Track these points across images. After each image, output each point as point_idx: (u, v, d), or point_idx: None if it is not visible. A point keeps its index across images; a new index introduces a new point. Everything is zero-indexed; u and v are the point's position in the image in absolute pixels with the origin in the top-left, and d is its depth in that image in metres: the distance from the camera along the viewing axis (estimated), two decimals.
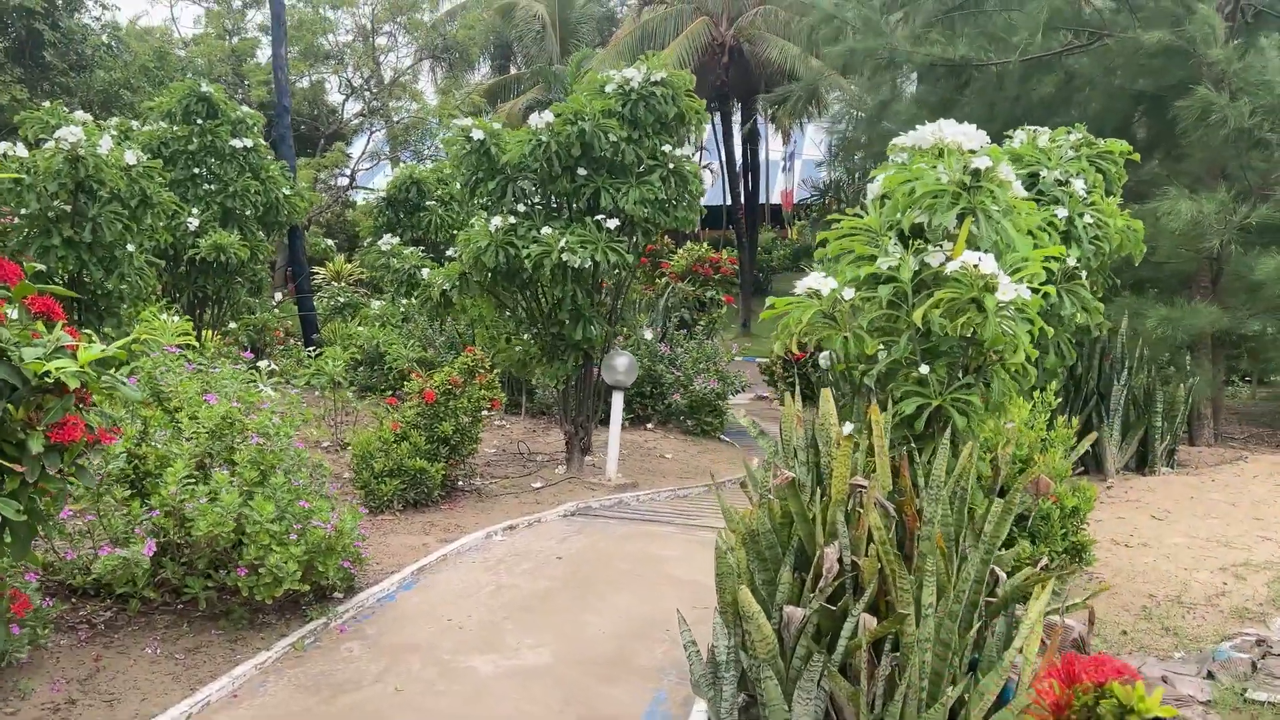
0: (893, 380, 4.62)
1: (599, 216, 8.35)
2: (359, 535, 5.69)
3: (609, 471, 8.81)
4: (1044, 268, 4.54)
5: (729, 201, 33.94)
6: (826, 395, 4.47)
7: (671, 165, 8.51)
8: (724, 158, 30.66)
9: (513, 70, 45.57)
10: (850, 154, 24.76)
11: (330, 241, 23.05)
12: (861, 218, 4.79)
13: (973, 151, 4.54)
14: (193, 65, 28.20)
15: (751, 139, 33.63)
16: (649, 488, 8.87)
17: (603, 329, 8.74)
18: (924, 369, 4.37)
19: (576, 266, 8.06)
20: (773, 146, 43.67)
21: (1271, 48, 9.12)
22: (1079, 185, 7.29)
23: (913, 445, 4.43)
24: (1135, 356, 8.52)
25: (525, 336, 9.27)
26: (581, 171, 8.42)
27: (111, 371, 3.84)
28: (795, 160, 47.03)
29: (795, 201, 44.70)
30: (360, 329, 13.66)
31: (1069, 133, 7.79)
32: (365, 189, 30.96)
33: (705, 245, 15.41)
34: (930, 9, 11.36)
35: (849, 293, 4.46)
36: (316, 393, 10.09)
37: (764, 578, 4.36)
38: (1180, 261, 9.64)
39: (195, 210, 11.83)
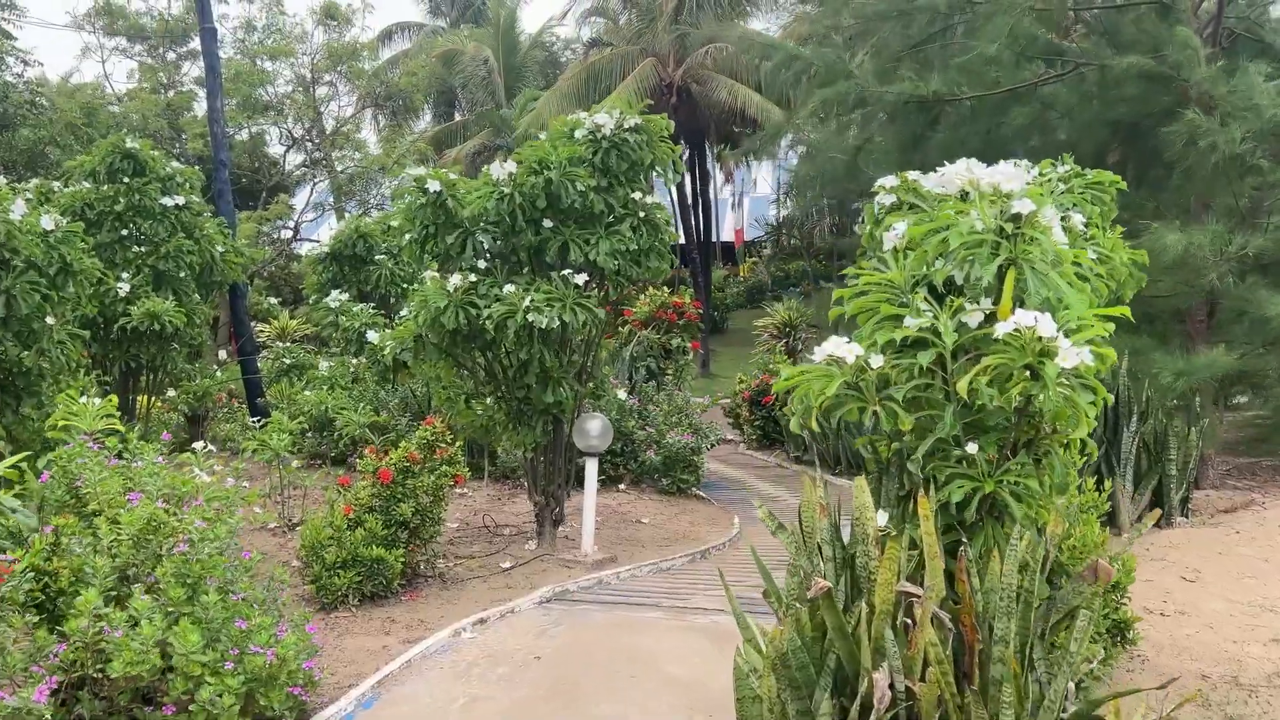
0: (930, 460, 4.00)
1: (566, 271, 7.70)
2: (311, 649, 4.93)
3: (585, 546, 8.09)
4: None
5: (682, 241, 33.51)
6: (862, 485, 3.82)
7: (643, 213, 7.91)
8: (675, 198, 30.27)
9: (458, 117, 45.13)
10: (804, 193, 24.54)
11: (273, 300, 22.16)
12: (882, 271, 4.19)
13: (1008, 195, 3.96)
14: (127, 121, 27.26)
15: (701, 178, 33.35)
16: (629, 561, 8.16)
17: (573, 390, 8.07)
18: (972, 448, 3.75)
19: (543, 327, 7.39)
20: (720, 184, 43.55)
21: (1256, 70, 8.77)
22: (1078, 219, 6.78)
23: (962, 536, 3.80)
24: (1143, 401, 8.04)
25: (488, 400, 8.57)
26: (547, 223, 7.78)
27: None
28: (744, 198, 46.99)
29: (746, 239, 44.56)
30: (307, 394, 12.84)
31: (1055, 165, 7.31)
32: (310, 240, 30.07)
33: (665, 289, 14.80)
34: (895, 45, 10.95)
35: (877, 359, 3.84)
36: (263, 464, 9.29)
37: (798, 707, 3.67)
38: (1173, 296, 9.21)
39: (125, 275, 10.99)
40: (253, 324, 25.11)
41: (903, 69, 10.36)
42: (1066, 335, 3.65)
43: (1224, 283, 8.35)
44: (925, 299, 3.86)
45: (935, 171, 4.52)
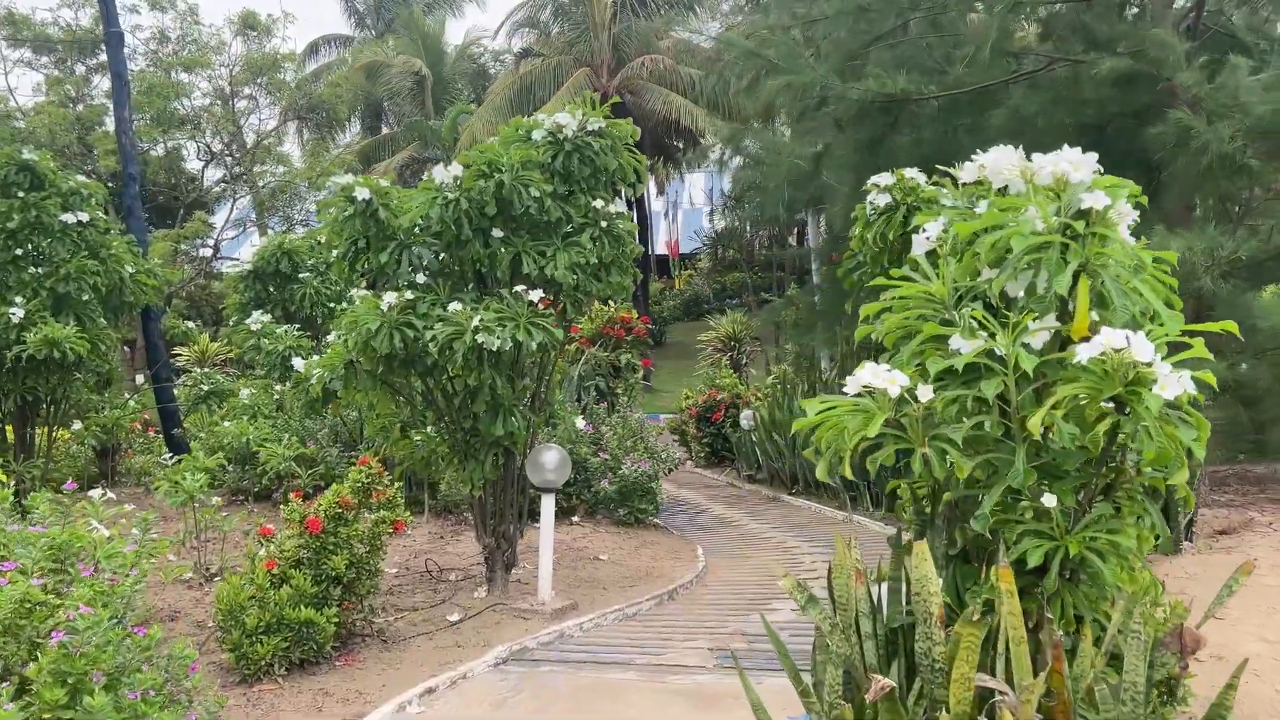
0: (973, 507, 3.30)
1: (519, 287, 6.91)
2: None
3: (541, 593, 7.26)
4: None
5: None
6: (923, 551, 3.08)
7: (604, 223, 7.14)
8: None
9: (385, 130, 44.00)
10: (747, 203, 23.95)
11: (190, 324, 20.91)
12: (913, 280, 3.48)
13: (1073, 187, 3.28)
14: (34, 136, 25.74)
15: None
16: (591, 608, 7.36)
17: (526, 420, 7.26)
18: (1050, 500, 3.04)
19: (495, 349, 6.59)
20: (653, 196, 43.02)
21: (1242, 66, 8.32)
22: None
23: (1041, 603, 3.10)
24: None
25: (429, 429, 7.72)
26: (497, 233, 6.98)
27: None
28: (679, 210, 46.52)
29: (682, 251, 44.06)
30: (227, 425, 11.81)
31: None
32: (231, 259, 28.76)
33: (610, 304, 14.03)
34: (849, 44, 10.35)
35: (925, 391, 3.12)
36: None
37: None
38: None
39: (19, 299, 9.91)
40: (173, 348, 23.81)
41: (864, 68, 9.74)
42: (1165, 358, 2.97)
43: (1216, 287, 7.85)
44: (982, 315, 3.15)
45: (971, 161, 3.82)
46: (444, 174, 6.92)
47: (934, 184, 6.70)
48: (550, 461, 7.23)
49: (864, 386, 3.18)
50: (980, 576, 3.24)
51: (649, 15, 33.43)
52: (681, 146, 35.33)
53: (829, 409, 3.22)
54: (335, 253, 7.60)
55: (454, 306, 6.81)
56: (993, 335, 3.09)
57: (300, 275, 13.66)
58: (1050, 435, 3.04)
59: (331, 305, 13.45)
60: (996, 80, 9.24)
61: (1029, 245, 3.07)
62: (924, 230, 3.63)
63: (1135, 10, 9.43)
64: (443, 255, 7.22)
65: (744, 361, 21.46)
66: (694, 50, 34.73)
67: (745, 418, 15.17)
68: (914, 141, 10.20)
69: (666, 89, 30.61)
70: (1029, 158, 6.69)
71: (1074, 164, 3.23)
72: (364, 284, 8.65)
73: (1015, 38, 8.81)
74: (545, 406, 7.87)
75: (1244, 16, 10.05)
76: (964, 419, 3.20)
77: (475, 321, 6.64)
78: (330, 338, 8.13)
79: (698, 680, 5.72)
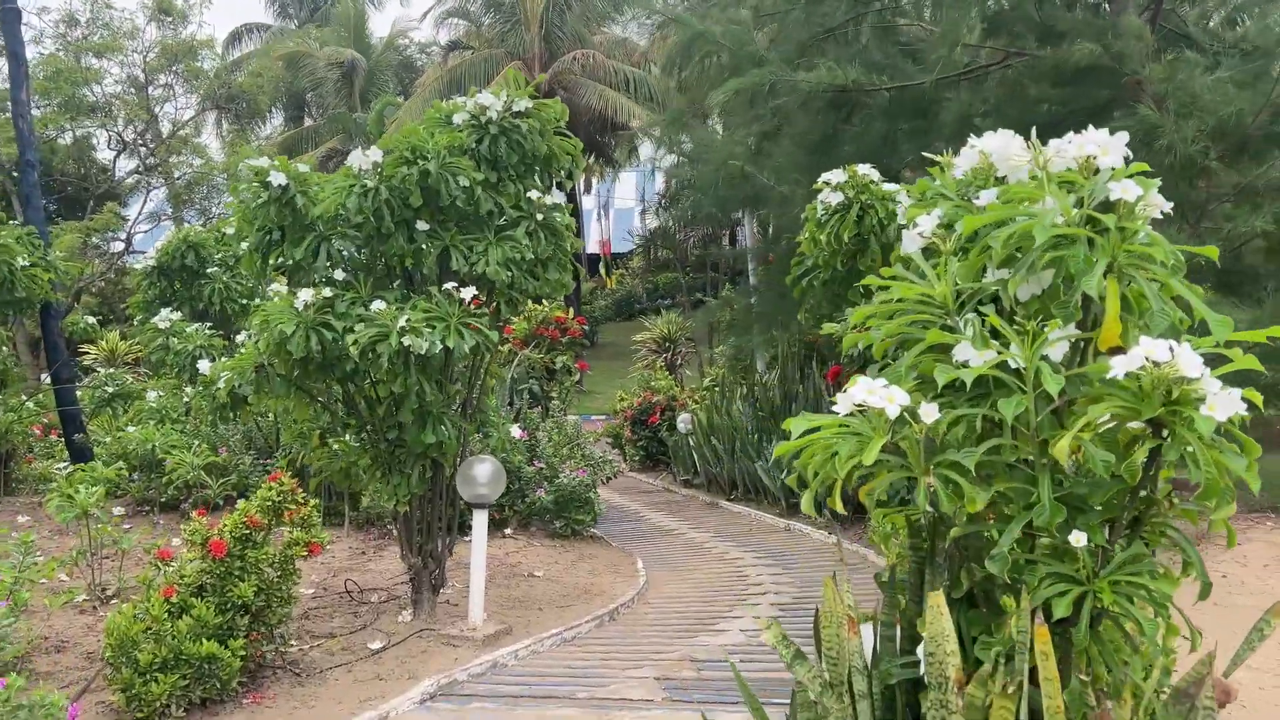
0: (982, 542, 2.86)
1: (449, 284, 6.33)
2: None
3: (473, 617, 6.69)
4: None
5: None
6: (939, 605, 2.60)
7: (540, 216, 6.60)
8: None
9: (308, 122, 42.78)
10: (681, 201, 23.44)
11: (91, 319, 19.80)
12: (909, 280, 3.02)
13: (1096, 174, 2.85)
14: None
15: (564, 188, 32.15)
16: (527, 632, 6.81)
17: (457, 429, 6.68)
18: (1079, 538, 2.59)
19: (424, 353, 6.01)
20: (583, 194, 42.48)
21: (1199, 64, 8.09)
22: None
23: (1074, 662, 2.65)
24: None
25: (349, 438, 7.11)
26: (423, 226, 6.40)
27: None
28: (610, 209, 46.02)
29: (614, 251, 43.56)
30: (132, 430, 11.00)
31: None
32: (143, 253, 27.51)
33: (544, 304, 13.47)
34: (800, 34, 9.94)
35: (930, 410, 2.65)
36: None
37: None
38: None
39: None
40: (77, 346, 22.57)
41: (815, 58, 9.33)
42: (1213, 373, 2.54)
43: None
44: (999, 322, 2.69)
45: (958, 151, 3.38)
46: (363, 160, 6.32)
47: (896, 179, 6.31)
48: (483, 474, 6.66)
49: (856, 405, 2.70)
50: (990, 624, 2.79)
51: (584, 9, 32.86)
52: (615, 144, 34.87)
53: (815, 430, 2.74)
54: (245, 244, 6.95)
55: (377, 305, 6.21)
56: (1008, 345, 2.64)
57: (208, 270, 12.84)
58: (1076, 462, 2.61)
59: (244, 302, 12.67)
60: (949, 75, 8.90)
61: (1051, 239, 2.62)
62: (916, 224, 3.17)
63: (1093, 2, 9.18)
64: (364, 249, 6.61)
65: (679, 363, 21.04)
66: (628, 47, 34.31)
67: (683, 421, 14.74)
68: (860, 136, 9.84)
69: (600, 84, 30.12)
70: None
71: (1102, 146, 2.79)
72: (281, 279, 8.00)
73: (967, 33, 8.46)
74: (478, 414, 7.30)
75: (1196, 16, 9.87)
76: (970, 443, 2.77)
77: (401, 322, 6.06)
78: (241, 338, 7.47)
79: (646, 717, 5.22)
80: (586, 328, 13.82)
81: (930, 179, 3.53)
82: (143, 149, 30.89)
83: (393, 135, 6.48)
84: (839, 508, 2.81)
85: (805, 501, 2.85)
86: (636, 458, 17.04)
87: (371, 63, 40.85)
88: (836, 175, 5.77)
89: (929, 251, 3.22)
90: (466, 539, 8.02)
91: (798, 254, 6.55)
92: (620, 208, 46.70)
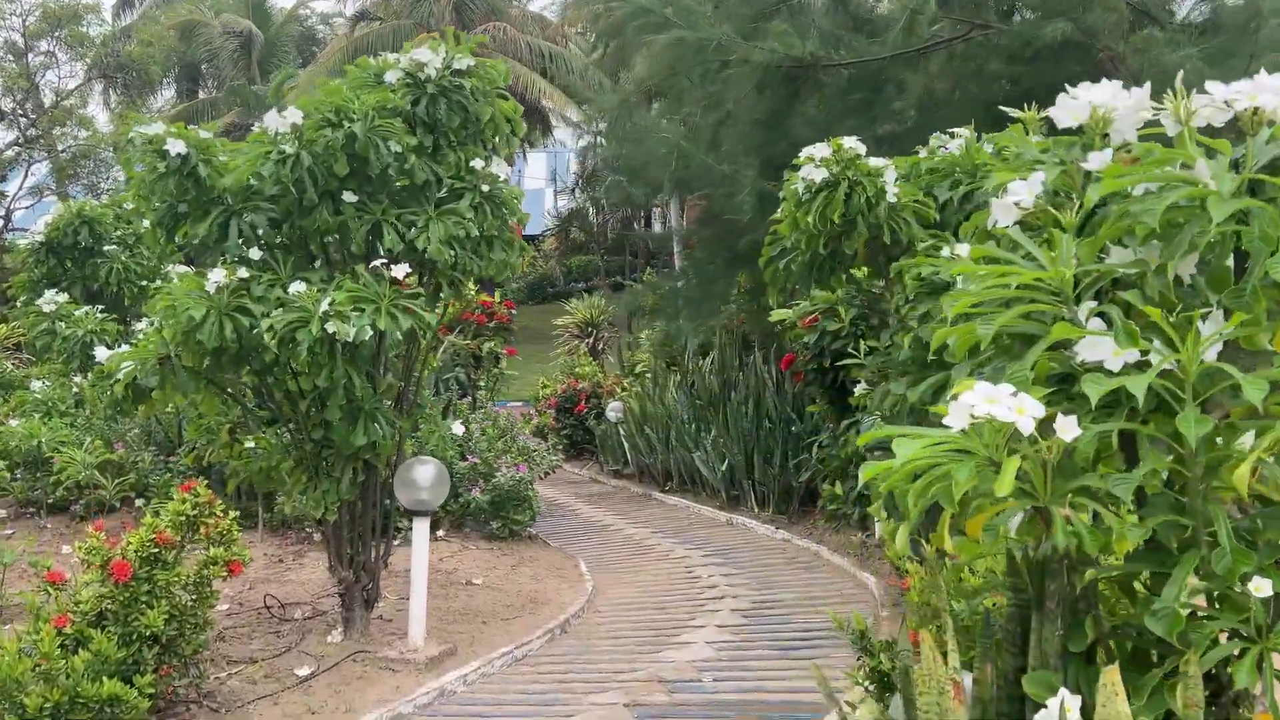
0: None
1: (378, 262, 5.60)
2: None
3: (413, 637, 5.99)
4: None
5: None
6: (1113, 684, 2.01)
7: (486, 188, 5.89)
8: None
9: (203, 95, 40.83)
10: (608, 182, 22.75)
11: None
12: (1011, 261, 2.45)
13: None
14: None
15: None
16: (473, 652, 6.14)
17: (392, 426, 5.95)
18: (1262, 585, 2.06)
19: (351, 340, 5.28)
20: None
21: (1168, 40, 7.77)
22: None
23: None
24: None
25: (269, 435, 6.33)
26: (350, 197, 5.64)
27: None
28: (521, 189, 45.08)
29: (526, 233, 42.71)
30: (14, 423, 9.93)
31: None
32: (25, 230, 25.72)
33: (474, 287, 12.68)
34: (752, 7, 9.35)
35: (1069, 425, 2.09)
36: None
37: None
38: None
39: None
40: None
41: (765, 36, 8.74)
42: None
43: None
44: (1159, 315, 2.13)
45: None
46: (279, 122, 5.53)
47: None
48: (424, 477, 5.95)
49: (972, 416, 2.13)
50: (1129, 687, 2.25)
51: None
52: (528, 124, 33.95)
53: (912, 451, 2.16)
54: (146, 220, 6.10)
55: (297, 287, 5.45)
56: (1169, 344, 2.09)
57: (105, 249, 11.74)
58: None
59: (143, 283, 11.60)
60: (909, 50, 8.43)
61: (1234, 211, 2.08)
62: (1006, 192, 2.60)
63: None
64: (282, 225, 5.82)
65: (601, 348, 20.42)
66: (544, 22, 33.43)
67: (613, 410, 14.14)
68: (812, 113, 9.32)
69: (513, 60, 29.15)
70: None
71: (1264, 89, 2.25)
72: (182, 259, 7.14)
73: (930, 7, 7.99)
74: (414, 409, 6.57)
75: None
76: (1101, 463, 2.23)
77: (324, 306, 5.32)
78: (141, 325, 6.61)
79: None
80: (514, 312, 13.08)
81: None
82: (23, 119, 28.99)
83: (313, 95, 5.69)
84: (948, 547, 2.24)
85: (900, 537, 2.27)
86: (560, 446, 16.41)
87: (271, 33, 39.14)
88: (820, 149, 5.20)
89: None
90: (396, 542, 7.30)
91: (770, 235, 5.97)
92: (529, 188, 45.80)
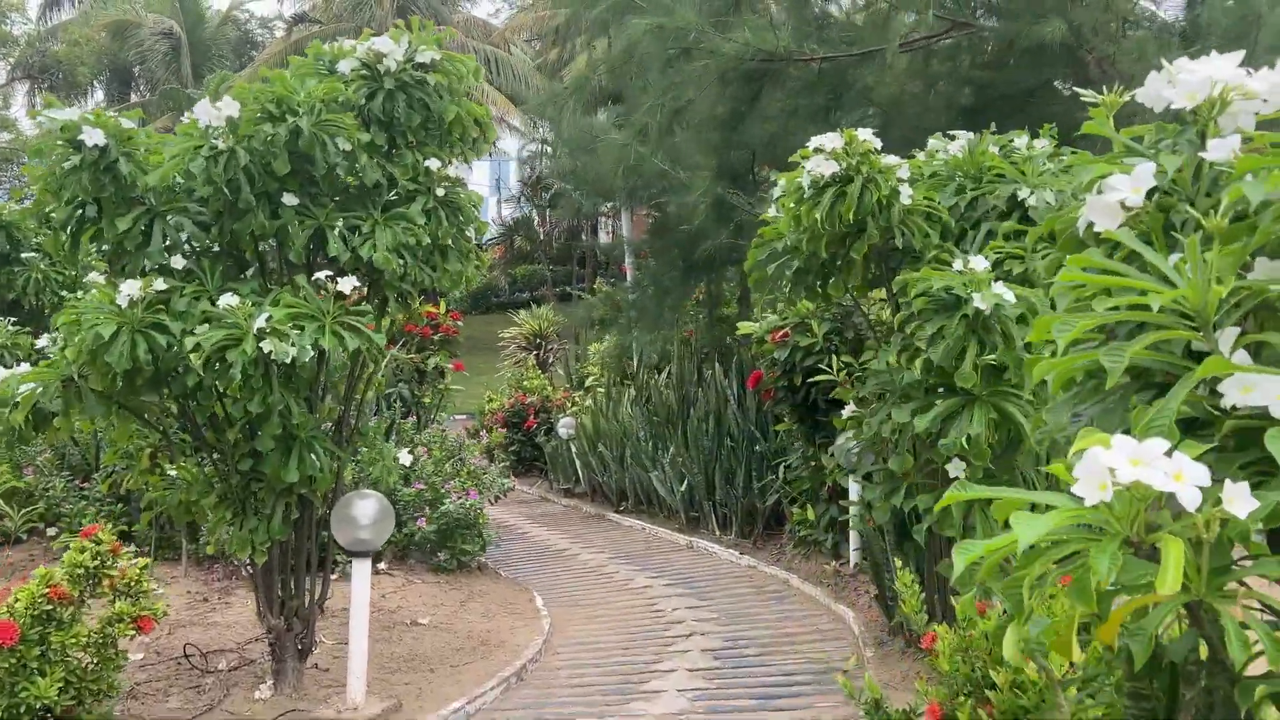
0: None
1: (322, 274, 4.97)
2: None
3: (352, 692, 5.33)
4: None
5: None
6: None
7: (441, 191, 5.29)
8: None
9: (135, 98, 39.51)
10: (553, 190, 22.13)
11: None
12: (1127, 275, 1.94)
13: None
14: None
15: None
16: (420, 708, 5.50)
17: (332, 456, 5.32)
18: None
19: (289, 362, 4.65)
20: None
21: (1151, 41, 7.43)
22: None
23: None
24: None
25: (189, 463, 5.66)
26: (290, 199, 5.01)
27: None
28: None
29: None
30: None
31: (1023, 137, 5.47)
32: None
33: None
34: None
35: (1242, 496, 1.57)
36: None
37: None
38: None
39: None
40: None
41: (726, 31, 8.25)
42: None
43: None
44: None
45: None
46: (211, 113, 4.89)
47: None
48: (366, 514, 5.32)
49: (1119, 482, 1.59)
50: None
51: None
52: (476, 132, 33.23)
53: (1045, 523, 1.62)
54: (54, 218, 5.40)
55: (228, 300, 4.81)
56: None
57: (24, 256, 10.89)
58: None
59: (64, 294, 10.77)
60: (884, 46, 7.99)
61: None
62: (1106, 189, 2.09)
63: None
64: (212, 229, 5.16)
65: (549, 360, 19.81)
66: (487, 27, 32.83)
67: (564, 426, 13.54)
68: (774, 112, 8.85)
69: None
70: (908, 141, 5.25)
71: None
72: (103, 265, 6.45)
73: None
74: (356, 436, 5.93)
75: None
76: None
77: (259, 322, 4.69)
78: (43, 341, 5.90)
79: None
80: (460, 324, 12.43)
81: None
82: None
83: (253, 84, 5.05)
84: (1076, 656, 1.70)
85: (1011, 643, 1.74)
86: (507, 462, 15.78)
87: (207, 35, 38.00)
88: (832, 139, 4.69)
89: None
90: (334, 575, 6.65)
91: (758, 237, 5.46)
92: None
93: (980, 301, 4.36)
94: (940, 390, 4.73)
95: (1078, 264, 1.98)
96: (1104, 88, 6.21)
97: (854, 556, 7.88)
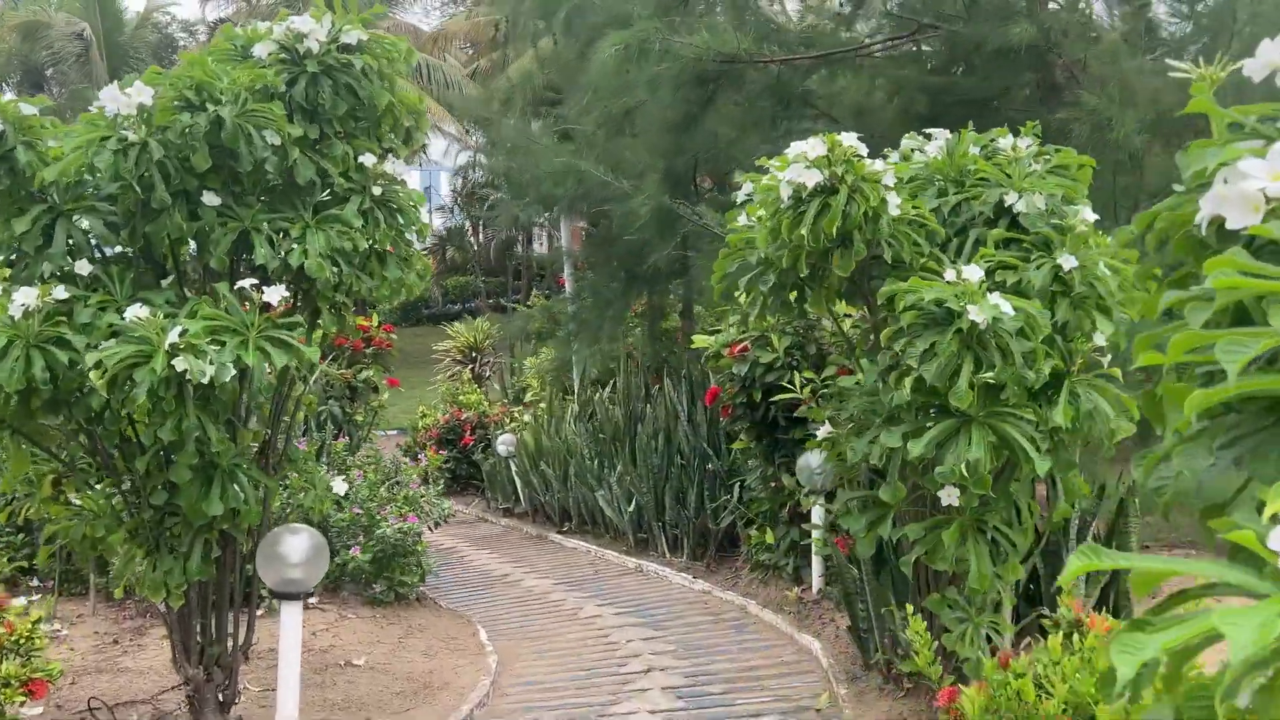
0: None
1: (247, 283, 4.43)
2: None
3: None
4: None
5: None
6: None
7: (378, 190, 4.79)
8: None
9: (48, 101, 38.00)
10: (489, 199, 21.52)
11: None
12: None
13: None
14: None
15: None
16: None
17: (258, 486, 4.76)
18: None
19: (207, 381, 4.10)
20: None
21: (1125, 49, 7.21)
22: (1089, 216, 4.64)
23: None
24: None
25: (98, 494, 5.06)
26: (211, 199, 4.46)
27: None
28: None
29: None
30: None
31: (1007, 136, 5.14)
32: None
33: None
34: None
35: None
36: None
37: None
38: None
39: None
40: None
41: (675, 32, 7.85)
42: None
43: None
44: None
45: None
46: (120, 100, 4.32)
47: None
48: (297, 551, 4.77)
49: None
50: None
51: None
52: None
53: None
54: None
55: (137, 312, 4.24)
56: None
57: None
58: None
59: None
60: (844, 49, 7.68)
61: None
62: (1233, 174, 1.69)
63: None
64: (123, 230, 4.60)
65: (486, 374, 19.23)
66: (417, 34, 32.16)
67: (504, 443, 13.00)
68: (742, 118, 8.50)
69: None
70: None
71: None
72: (4, 274, 5.83)
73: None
74: (285, 462, 5.36)
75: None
76: None
77: (173, 337, 4.13)
78: None
79: None
80: (394, 336, 11.85)
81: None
82: None
83: (172, 69, 4.51)
84: None
85: None
86: (441, 480, 15.16)
87: (124, 38, 36.66)
88: (814, 145, 4.28)
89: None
90: (260, 611, 6.06)
91: (725, 250, 5.04)
92: None
93: (976, 314, 4.00)
94: (932, 412, 4.35)
95: (1222, 267, 1.57)
96: (1096, 90, 5.81)
97: (817, 582, 7.49)
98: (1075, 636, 3.24)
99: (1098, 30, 8.00)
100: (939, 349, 4.04)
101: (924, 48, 7.48)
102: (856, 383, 6.15)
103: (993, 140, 5.15)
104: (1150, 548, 7.39)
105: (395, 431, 17.23)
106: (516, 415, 14.62)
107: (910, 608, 4.46)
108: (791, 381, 7.21)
